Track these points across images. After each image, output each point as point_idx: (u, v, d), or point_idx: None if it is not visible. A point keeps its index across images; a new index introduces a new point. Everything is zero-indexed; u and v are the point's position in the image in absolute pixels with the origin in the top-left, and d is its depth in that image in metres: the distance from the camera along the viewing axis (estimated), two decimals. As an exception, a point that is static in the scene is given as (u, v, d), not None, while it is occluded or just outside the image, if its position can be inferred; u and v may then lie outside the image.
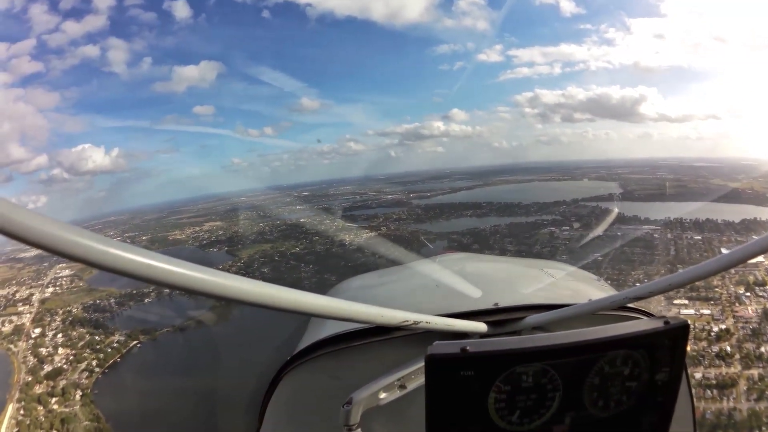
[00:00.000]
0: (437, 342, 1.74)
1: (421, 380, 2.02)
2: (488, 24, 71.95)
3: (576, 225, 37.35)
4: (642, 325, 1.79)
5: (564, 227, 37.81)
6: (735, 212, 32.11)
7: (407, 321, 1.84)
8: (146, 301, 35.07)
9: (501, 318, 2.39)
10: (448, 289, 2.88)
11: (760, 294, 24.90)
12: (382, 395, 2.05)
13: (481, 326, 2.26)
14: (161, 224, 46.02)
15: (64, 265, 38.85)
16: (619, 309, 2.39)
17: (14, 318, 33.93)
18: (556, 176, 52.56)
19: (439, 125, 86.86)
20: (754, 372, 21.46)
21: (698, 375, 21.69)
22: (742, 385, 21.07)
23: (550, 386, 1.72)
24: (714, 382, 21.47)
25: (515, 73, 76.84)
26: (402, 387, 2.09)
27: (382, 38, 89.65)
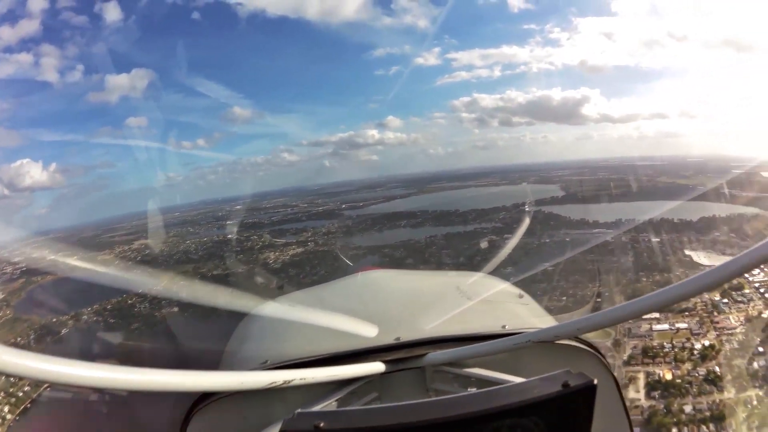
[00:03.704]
0: (299, 411, 1.69)
1: None
2: (428, 22, 69.53)
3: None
4: (536, 387, 1.60)
5: (506, 235, 35.03)
6: (689, 210, 30.47)
7: (275, 382, 1.92)
8: (63, 332, 32.22)
9: (402, 356, 2.45)
10: (346, 326, 2.80)
11: (739, 299, 22.37)
12: None
13: (377, 367, 2.34)
14: (96, 243, 43.42)
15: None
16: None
17: None
18: (494, 181, 51.16)
19: (373, 133, 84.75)
20: (751, 393, 18.58)
21: (688, 408, 19.23)
22: (741, 413, 18.25)
23: None
24: (708, 413, 18.88)
25: (453, 77, 75.10)
26: None
27: (316, 42, 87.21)
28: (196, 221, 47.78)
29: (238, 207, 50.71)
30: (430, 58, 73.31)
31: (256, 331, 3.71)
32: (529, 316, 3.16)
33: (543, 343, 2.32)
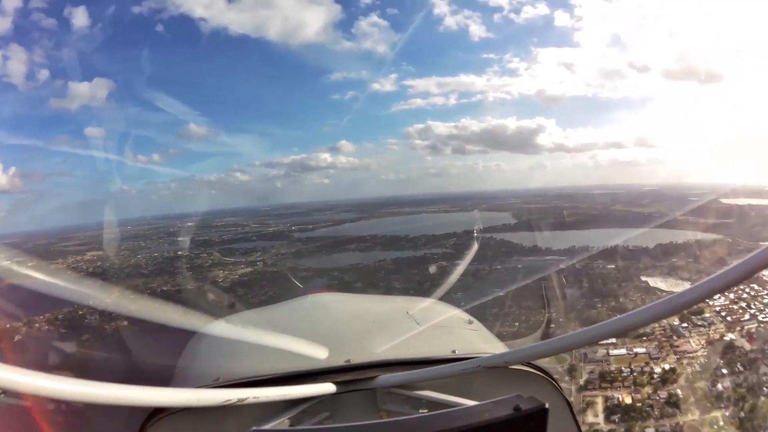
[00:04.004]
0: (254, 429, 1.73)
1: None
2: (388, 48, 69.33)
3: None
4: (488, 410, 1.59)
5: (456, 261, 34.31)
6: (645, 237, 30.37)
7: (230, 400, 1.92)
8: (16, 338, 30.97)
9: (352, 378, 2.45)
10: (297, 348, 2.79)
11: (699, 323, 22.19)
12: None
13: (328, 388, 2.33)
14: (49, 251, 43.14)
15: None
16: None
17: None
18: (446, 208, 51.03)
19: (326, 157, 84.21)
20: (717, 414, 18.37)
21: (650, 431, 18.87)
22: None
23: None
24: (672, 438, 18.43)
25: (408, 104, 74.93)
26: None
27: (274, 63, 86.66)
28: (147, 236, 47.78)
29: (190, 224, 50.35)
30: (386, 84, 73.13)
31: (207, 349, 3.69)
32: (479, 341, 3.17)
33: (494, 368, 2.30)
